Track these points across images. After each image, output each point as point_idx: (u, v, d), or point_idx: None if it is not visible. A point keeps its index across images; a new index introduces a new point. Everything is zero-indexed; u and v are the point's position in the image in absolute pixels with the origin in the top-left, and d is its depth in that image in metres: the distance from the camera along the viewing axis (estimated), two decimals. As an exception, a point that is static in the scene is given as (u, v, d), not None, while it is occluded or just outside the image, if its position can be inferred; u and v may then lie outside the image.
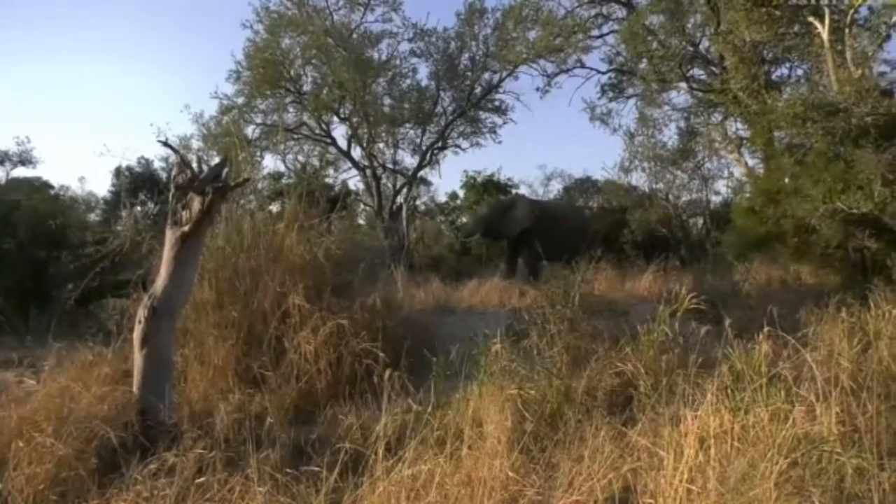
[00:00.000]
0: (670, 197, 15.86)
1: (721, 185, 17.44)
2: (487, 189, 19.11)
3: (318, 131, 17.04)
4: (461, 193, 20.49)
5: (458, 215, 20.48)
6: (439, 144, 17.26)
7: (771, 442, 2.84)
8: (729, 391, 3.35)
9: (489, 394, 3.88)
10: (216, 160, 4.59)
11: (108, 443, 3.65)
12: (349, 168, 17.71)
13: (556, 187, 20.85)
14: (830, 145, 8.20)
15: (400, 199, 17.04)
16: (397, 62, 16.45)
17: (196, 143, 16.31)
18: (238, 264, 5.71)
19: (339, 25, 15.83)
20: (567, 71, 15.67)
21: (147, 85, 35.98)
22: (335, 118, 16.83)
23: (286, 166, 17.61)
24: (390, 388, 3.52)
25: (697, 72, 14.40)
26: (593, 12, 15.11)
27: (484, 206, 14.30)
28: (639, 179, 16.19)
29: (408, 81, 16.72)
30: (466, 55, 16.56)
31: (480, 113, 17.15)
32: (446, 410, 3.79)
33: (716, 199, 16.54)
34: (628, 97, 15.79)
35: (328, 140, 17.14)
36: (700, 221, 16.39)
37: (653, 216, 14.88)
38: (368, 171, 16.98)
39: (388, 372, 3.56)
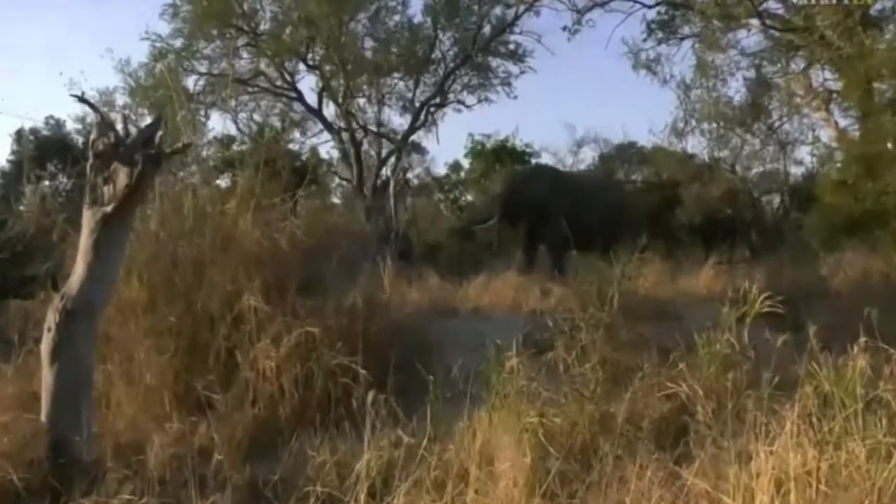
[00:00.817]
0: (737, 168, 15.84)
1: (803, 153, 17.43)
2: (500, 157, 19.08)
3: (279, 83, 16.99)
4: (465, 163, 20.49)
5: (462, 191, 20.46)
6: (437, 100, 17.21)
7: (869, 486, 2.84)
8: (814, 420, 3.34)
9: (502, 422, 3.88)
10: (147, 120, 4.56)
11: (9, 486, 3.65)
12: (320, 130, 17.71)
13: (588, 155, 20.80)
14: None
15: (386, 171, 17.03)
16: (383, -7, 16.40)
17: (121, 99, 16.29)
18: (177, 254, 5.70)
19: (306, -56, 15.76)
20: (603, 4, 15.60)
21: (55, 21, 35.78)
22: (302, 66, 16.76)
23: (238, 128, 17.60)
24: (374, 415, 3.52)
25: (773, 5, 14.34)
26: (638, -74, 15.05)
27: (498, 182, 14.28)
28: (696, 145, 16.18)
29: (396, 18, 16.68)
30: (473, -16, 16.50)
31: (490, 59, 17.10)
32: (446, 444, 3.78)
33: (796, 171, 16.53)
34: (682, 38, 15.75)
35: (293, 94, 17.09)
36: (776, 199, 16.37)
37: (714, 192, 14.86)
38: (345, 135, 16.94)
39: (371, 394, 3.56)
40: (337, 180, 19.93)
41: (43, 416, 4.12)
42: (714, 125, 15.48)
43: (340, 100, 16.86)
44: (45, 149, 12.57)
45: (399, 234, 13.65)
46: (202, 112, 16.00)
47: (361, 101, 17.56)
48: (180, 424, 4.61)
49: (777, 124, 15.53)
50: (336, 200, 19.28)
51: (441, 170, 21.36)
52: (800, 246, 12.17)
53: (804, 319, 5.16)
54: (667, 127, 15.99)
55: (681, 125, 15.59)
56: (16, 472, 3.68)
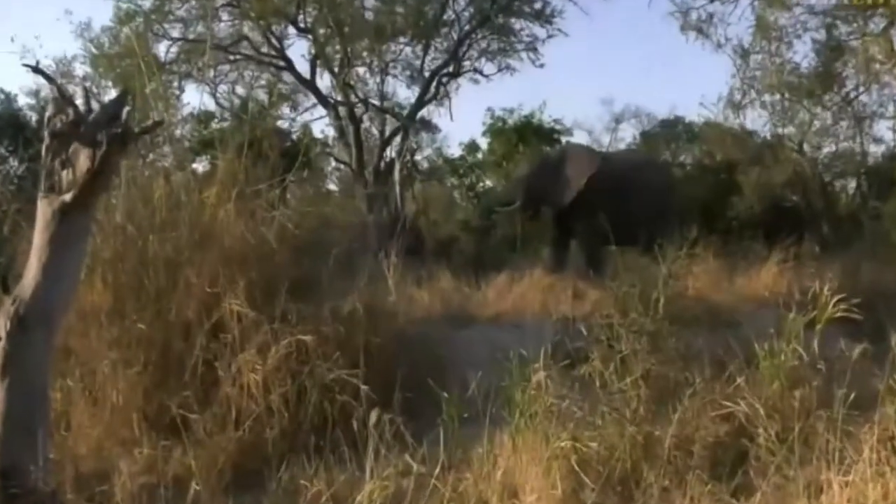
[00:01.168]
0: (805, 147, 15.73)
1: (884, 128, 17.29)
2: (523, 136, 19.00)
3: (265, 49, 17.01)
4: (483, 143, 20.43)
5: (480, 176, 20.42)
6: (450, 69, 17.18)
7: (963, 522, 2.82)
8: (897, 444, 3.33)
9: (528, 447, 3.88)
10: (112, 94, 4.59)
11: (-47, 520, 3.68)
12: (313, 105, 17.74)
13: (628, 133, 20.79)
14: None
15: (391, 152, 17.02)
16: (386, -57, 16.39)
17: (82, 69, 16.38)
18: (147, 251, 5.72)
19: None
20: (646, -46, 15.51)
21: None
22: (291, 29, 16.78)
23: (218, 103, 17.65)
24: (378, 439, 3.52)
25: (847, -47, 14.22)
26: None
27: (525, 165, 14.27)
28: (756, 121, 16.06)
29: (402, -28, 16.64)
30: (491, -69, 16.47)
31: (513, 21, 17.03)
32: (463, 472, 3.79)
33: (876, 150, 16.40)
34: (740, -6, 15.64)
35: (281, 63, 17.10)
36: (851, 184, 16.27)
37: (778, 177, 14.79)
38: (343, 110, 16.94)
39: (374, 414, 3.56)
40: (333, 163, 19.93)
41: (-8, 440, 4.15)
42: (777, 96, 15.38)
43: (337, 69, 16.85)
44: (-7, 128, 12.67)
45: (406, 226, 13.63)
46: (176, 84, 16.05)
47: (361, 70, 17.57)
48: (151, 450, 4.63)
49: (852, 95, 15.41)
50: (332, 187, 19.34)
51: (455, 151, 21.31)
52: (880, 239, 12.10)
53: (886, 326, 5.14)
54: (721, 99, 15.87)
55: (738, 97, 15.48)
56: (-39, 505, 3.71)
